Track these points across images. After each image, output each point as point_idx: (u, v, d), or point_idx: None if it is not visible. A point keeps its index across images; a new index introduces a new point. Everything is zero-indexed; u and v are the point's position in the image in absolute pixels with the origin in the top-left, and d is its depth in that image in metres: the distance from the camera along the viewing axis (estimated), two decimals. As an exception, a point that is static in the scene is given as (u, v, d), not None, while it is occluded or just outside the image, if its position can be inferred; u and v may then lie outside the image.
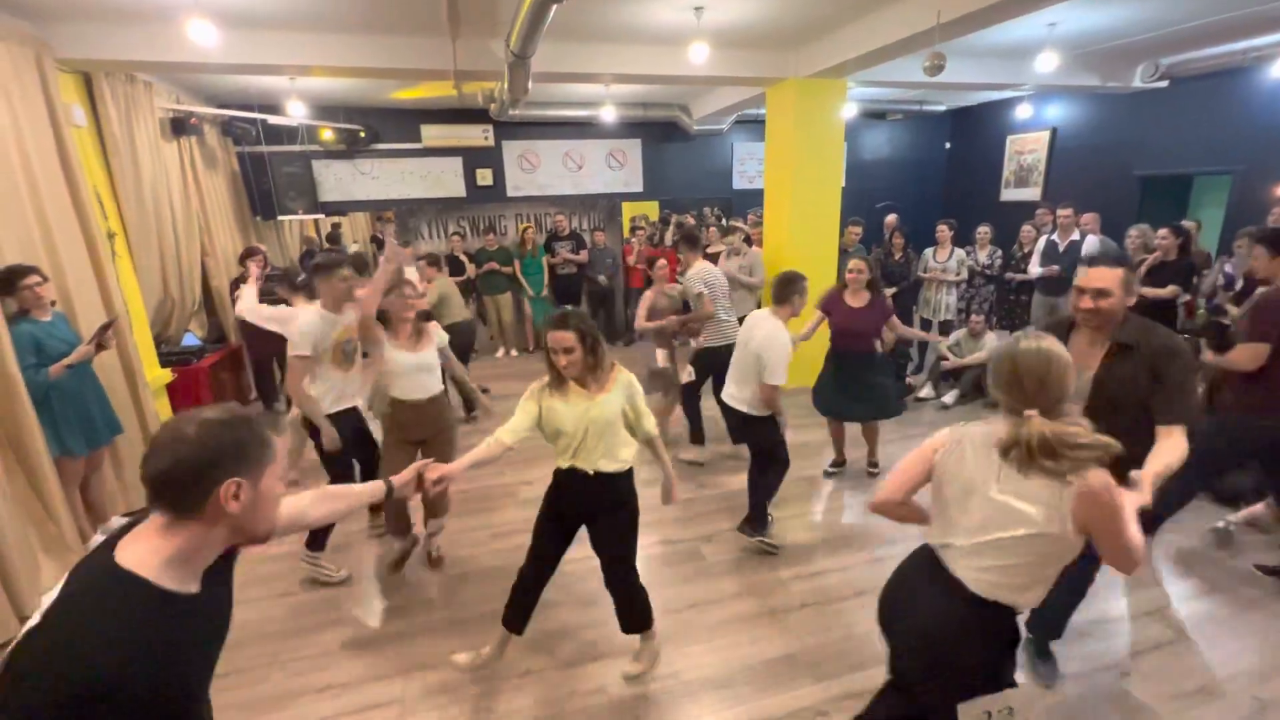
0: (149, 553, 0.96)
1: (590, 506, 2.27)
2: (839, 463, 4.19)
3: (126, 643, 0.89)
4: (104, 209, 4.15)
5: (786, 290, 3.12)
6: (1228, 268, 4.84)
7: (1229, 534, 3.19)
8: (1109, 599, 2.83)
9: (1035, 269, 5.59)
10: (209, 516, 0.98)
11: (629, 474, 2.26)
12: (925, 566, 1.58)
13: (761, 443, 3.25)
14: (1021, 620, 1.52)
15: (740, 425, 3.29)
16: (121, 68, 4.33)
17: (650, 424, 2.27)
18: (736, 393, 3.23)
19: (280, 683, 2.49)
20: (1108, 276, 1.94)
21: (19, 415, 2.91)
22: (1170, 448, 1.82)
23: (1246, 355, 2.63)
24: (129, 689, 0.87)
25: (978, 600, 1.47)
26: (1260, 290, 2.84)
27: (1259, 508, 3.25)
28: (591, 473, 2.16)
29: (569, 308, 2.17)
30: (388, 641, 2.71)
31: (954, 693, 1.48)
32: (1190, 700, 2.27)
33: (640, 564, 3.17)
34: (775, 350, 2.97)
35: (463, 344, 5.02)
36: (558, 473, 2.25)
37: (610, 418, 2.14)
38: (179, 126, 5.18)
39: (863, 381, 3.82)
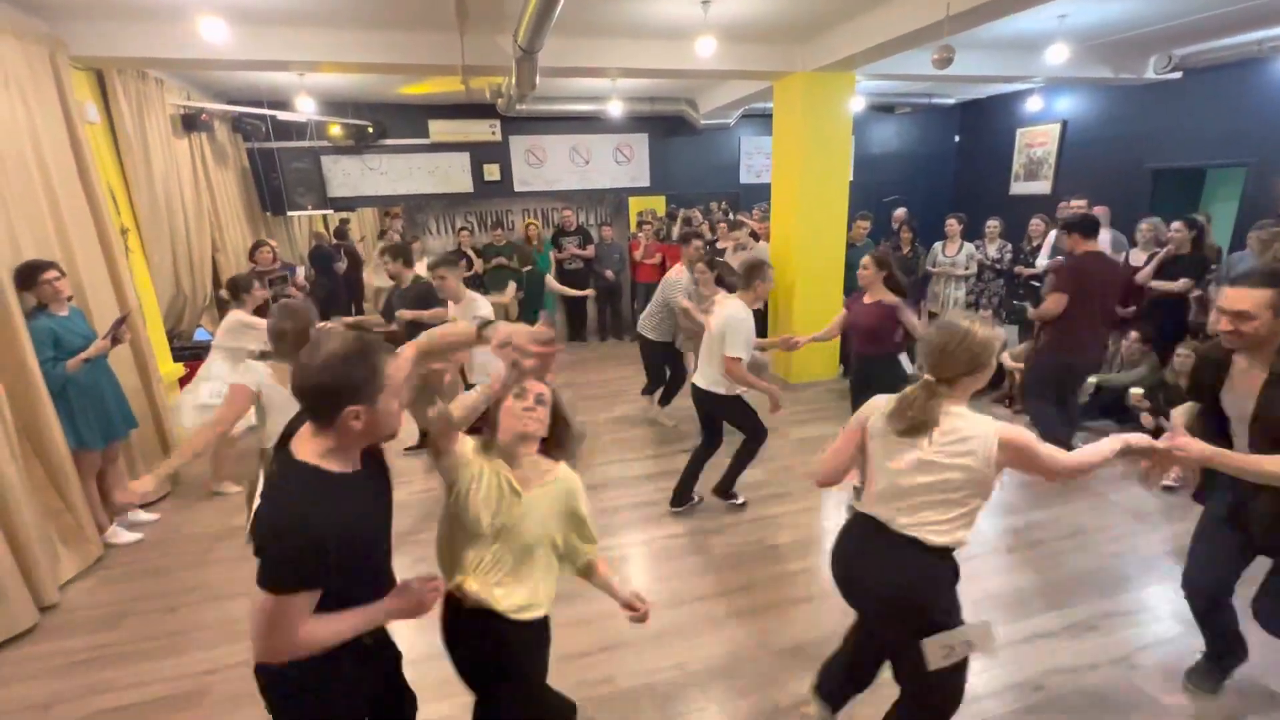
0: (314, 447, 1.25)
1: (478, 661, 1.65)
2: None
3: (321, 511, 1.19)
4: (117, 205, 4.20)
5: (750, 276, 3.27)
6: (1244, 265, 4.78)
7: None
8: (1114, 593, 2.83)
9: (1044, 262, 5.56)
10: (341, 429, 1.23)
11: (540, 625, 1.62)
12: (872, 532, 1.67)
13: (733, 418, 3.45)
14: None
15: (710, 405, 3.45)
16: (134, 65, 4.37)
17: (593, 547, 1.72)
18: (704, 373, 3.39)
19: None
20: (1248, 298, 1.70)
21: (38, 409, 2.97)
22: (1262, 460, 1.64)
23: (1050, 304, 3.42)
24: (333, 542, 1.18)
25: (930, 548, 1.58)
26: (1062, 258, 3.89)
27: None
28: (483, 607, 1.52)
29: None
30: (393, 633, 2.74)
31: (916, 631, 1.59)
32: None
33: (647, 557, 3.27)
34: (733, 327, 3.16)
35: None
36: (447, 602, 1.61)
37: (539, 522, 1.55)
38: (190, 123, 5.23)
39: (874, 382, 3.61)
